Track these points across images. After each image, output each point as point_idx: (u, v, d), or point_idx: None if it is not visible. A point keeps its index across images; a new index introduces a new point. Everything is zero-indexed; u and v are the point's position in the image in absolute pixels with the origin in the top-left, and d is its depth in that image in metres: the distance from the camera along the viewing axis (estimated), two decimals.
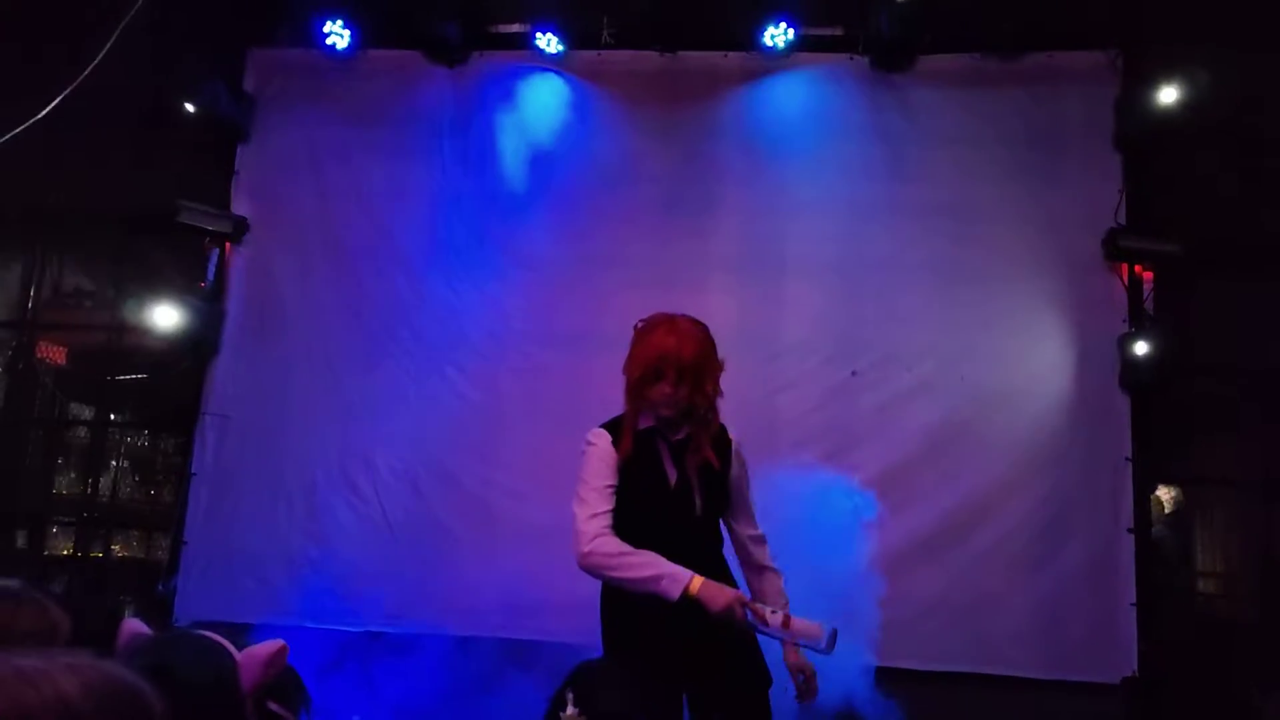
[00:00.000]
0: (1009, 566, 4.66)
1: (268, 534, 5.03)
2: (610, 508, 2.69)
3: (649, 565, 2.61)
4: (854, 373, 4.92)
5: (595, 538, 2.65)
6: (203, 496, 5.20)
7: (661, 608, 2.59)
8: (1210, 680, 4.78)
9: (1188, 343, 4.83)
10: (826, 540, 3.97)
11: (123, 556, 5.75)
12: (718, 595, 2.57)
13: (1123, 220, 4.96)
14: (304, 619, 4.82)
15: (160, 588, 5.17)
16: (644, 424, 2.80)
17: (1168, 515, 5.06)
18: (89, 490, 5.67)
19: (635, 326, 2.85)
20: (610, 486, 2.71)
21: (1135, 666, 4.63)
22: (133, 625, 1.47)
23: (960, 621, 4.57)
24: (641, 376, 2.76)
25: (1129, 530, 4.75)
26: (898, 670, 4.32)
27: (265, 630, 4.51)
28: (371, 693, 4.64)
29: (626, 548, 2.64)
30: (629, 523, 2.70)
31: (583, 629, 4.41)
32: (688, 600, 2.56)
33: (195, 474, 5.22)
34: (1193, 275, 5.01)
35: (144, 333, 5.20)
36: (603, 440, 2.78)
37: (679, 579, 2.58)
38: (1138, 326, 4.88)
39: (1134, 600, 4.68)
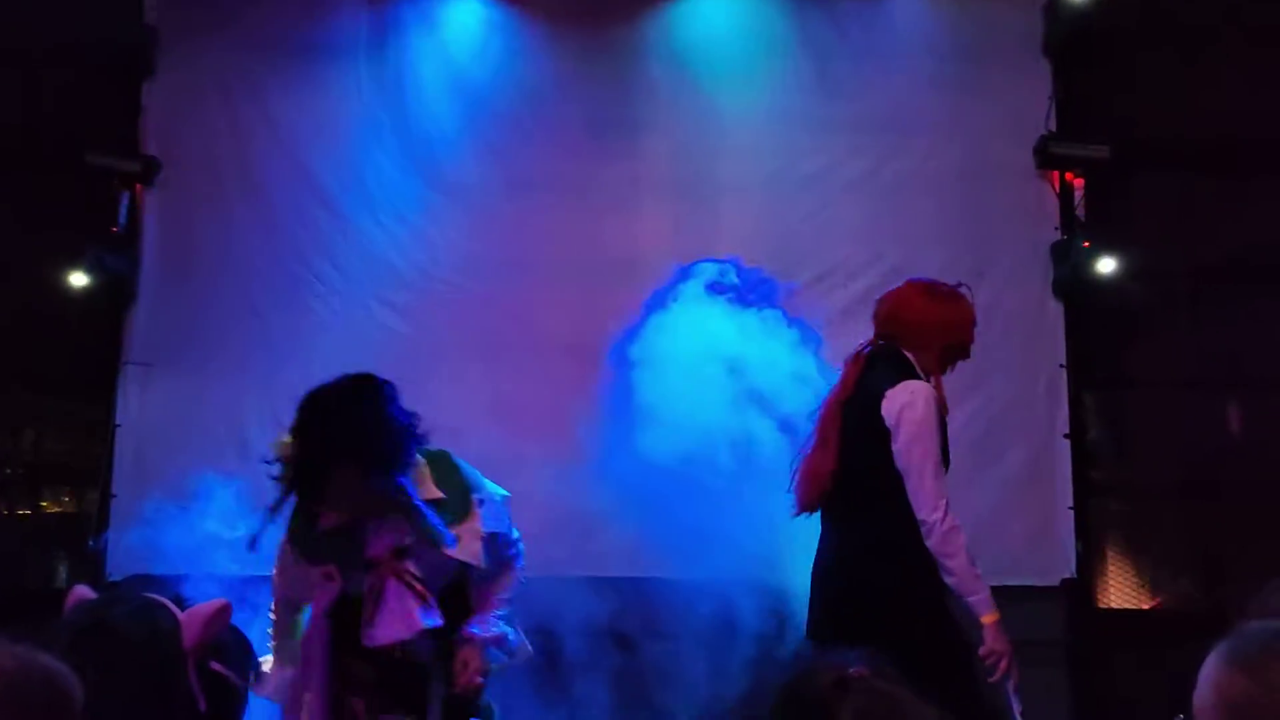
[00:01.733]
0: (952, 477, 4.68)
1: (198, 483, 4.91)
2: None
3: (978, 576, 2.84)
4: (791, 291, 4.88)
5: (953, 518, 2.81)
6: (129, 448, 5.06)
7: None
8: (1146, 578, 4.92)
9: (1119, 247, 4.86)
10: (772, 457, 3.95)
11: (53, 512, 5.62)
12: (997, 637, 2.81)
13: (1053, 127, 4.96)
14: (238, 567, 4.72)
15: (91, 543, 5.04)
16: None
17: (1101, 419, 5.14)
18: (13, 447, 5.51)
19: (927, 288, 3.01)
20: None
21: (1073, 568, 4.73)
22: (80, 591, 1.44)
23: None
24: (960, 344, 2.95)
25: (1065, 436, 4.82)
26: None
27: (200, 581, 4.43)
28: None
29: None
30: None
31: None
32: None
33: (119, 425, 5.07)
34: (1123, 179, 5.04)
35: (57, 281, 5.00)
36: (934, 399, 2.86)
37: (986, 605, 2.84)
38: (1069, 233, 4.90)
39: (1071, 504, 4.77)
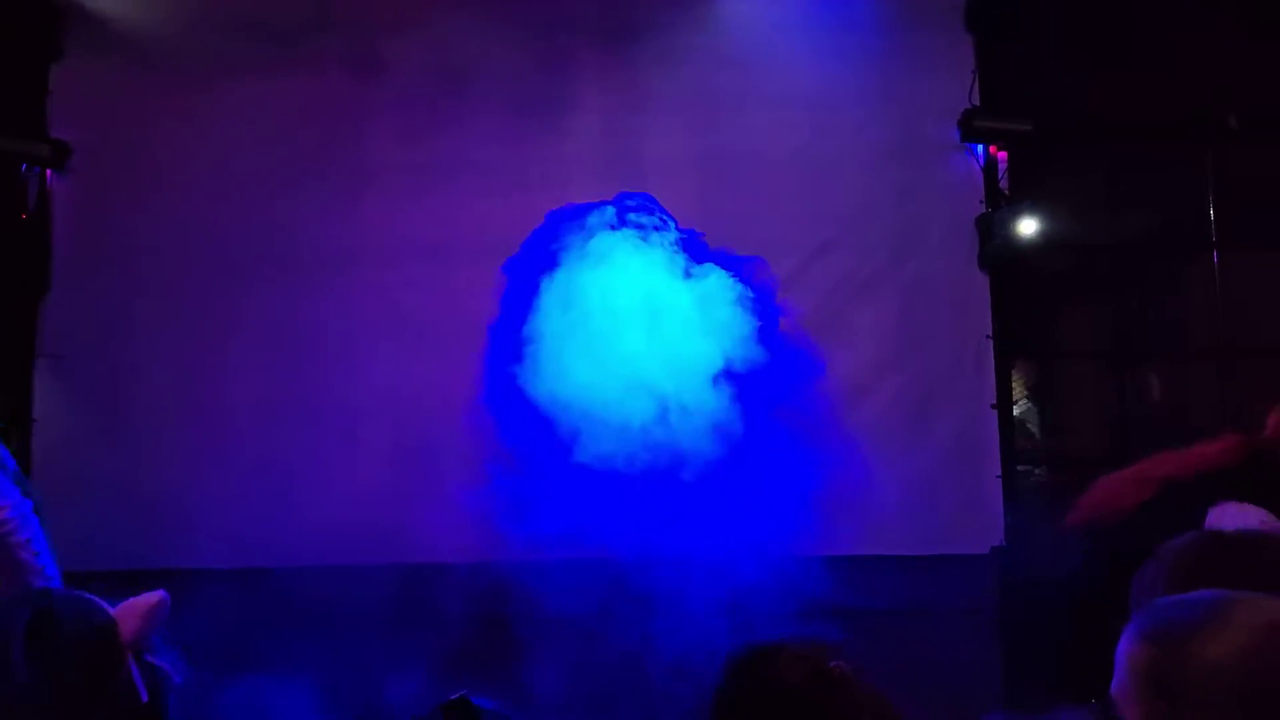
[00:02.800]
0: (880, 449, 4.74)
1: (119, 475, 4.80)
2: None
3: None
4: None
5: None
6: (47, 443, 4.91)
7: None
8: (1075, 544, 5.01)
9: (1042, 220, 4.93)
10: (695, 433, 3.96)
11: None
12: None
13: (977, 101, 5.00)
14: (161, 561, 4.63)
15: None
16: None
17: (1028, 389, 5.22)
18: None
19: None
20: None
21: (1002, 536, 4.81)
22: None
23: (830, 506, 4.64)
24: None
25: (991, 406, 4.89)
26: (772, 558, 4.38)
27: (126, 578, 4.33)
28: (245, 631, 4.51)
29: None
30: None
31: (447, 548, 4.43)
32: None
33: (36, 420, 4.92)
34: (1046, 152, 5.11)
35: None
36: None
37: None
38: (993, 206, 4.96)
39: (999, 473, 4.85)
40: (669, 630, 4.18)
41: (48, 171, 4.96)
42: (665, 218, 4.21)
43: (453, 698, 1.86)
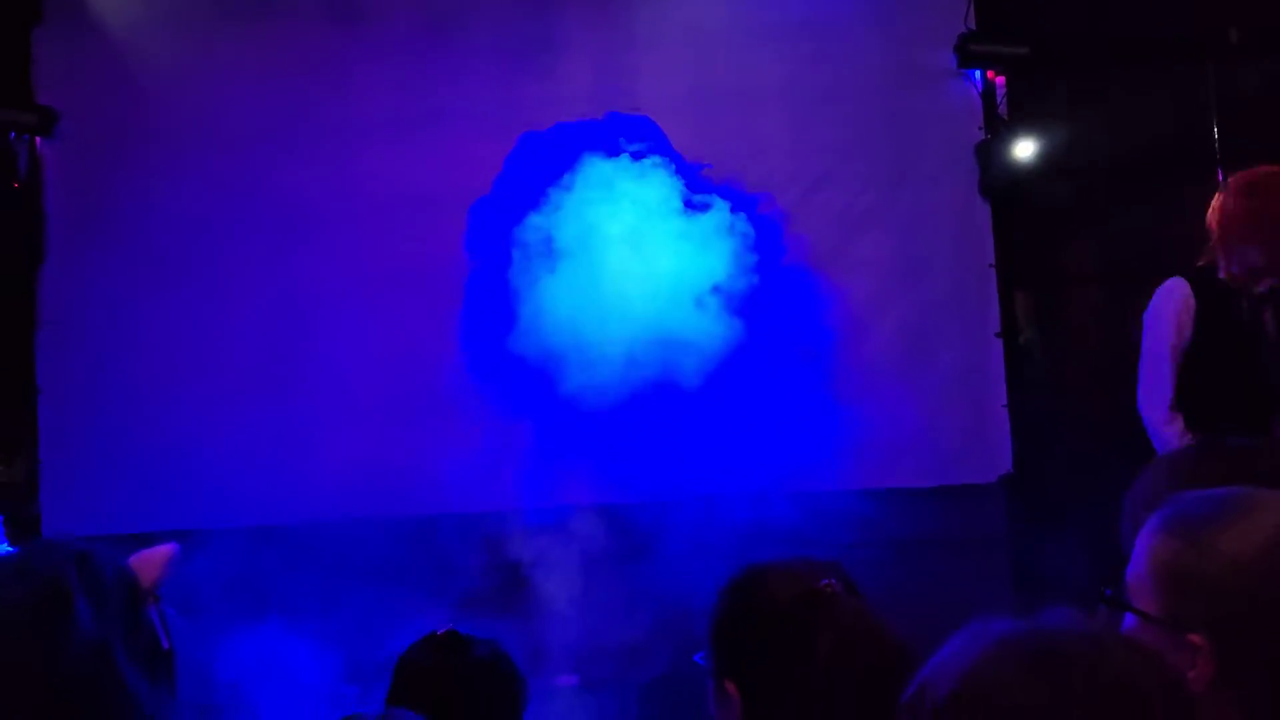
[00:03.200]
0: (884, 383, 4.72)
1: (126, 440, 4.82)
2: None
3: None
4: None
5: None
6: (54, 411, 4.93)
7: None
8: (1082, 469, 5.00)
9: (1043, 145, 4.87)
10: (696, 371, 3.95)
11: None
12: None
13: (973, 25, 4.92)
14: (171, 523, 4.66)
15: (26, 511, 4.93)
16: None
17: (1032, 317, 5.19)
18: None
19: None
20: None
21: (1010, 464, 4.81)
22: None
23: (838, 442, 4.64)
24: None
25: (996, 335, 4.87)
26: (780, 495, 4.39)
27: (139, 541, 4.36)
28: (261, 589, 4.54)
29: None
30: None
31: (453, 499, 4.45)
32: None
33: (42, 389, 4.94)
34: (1044, 76, 5.03)
35: None
36: None
37: None
38: (993, 133, 4.90)
39: (1005, 402, 4.84)
40: (675, 571, 4.20)
41: (36, 139, 4.92)
42: (661, 145, 4.13)
43: (440, 633, 1.85)
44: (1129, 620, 1.27)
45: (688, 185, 4.05)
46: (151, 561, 1.39)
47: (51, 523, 4.89)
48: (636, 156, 4.04)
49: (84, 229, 4.93)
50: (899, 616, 1.43)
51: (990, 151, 4.83)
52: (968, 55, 4.89)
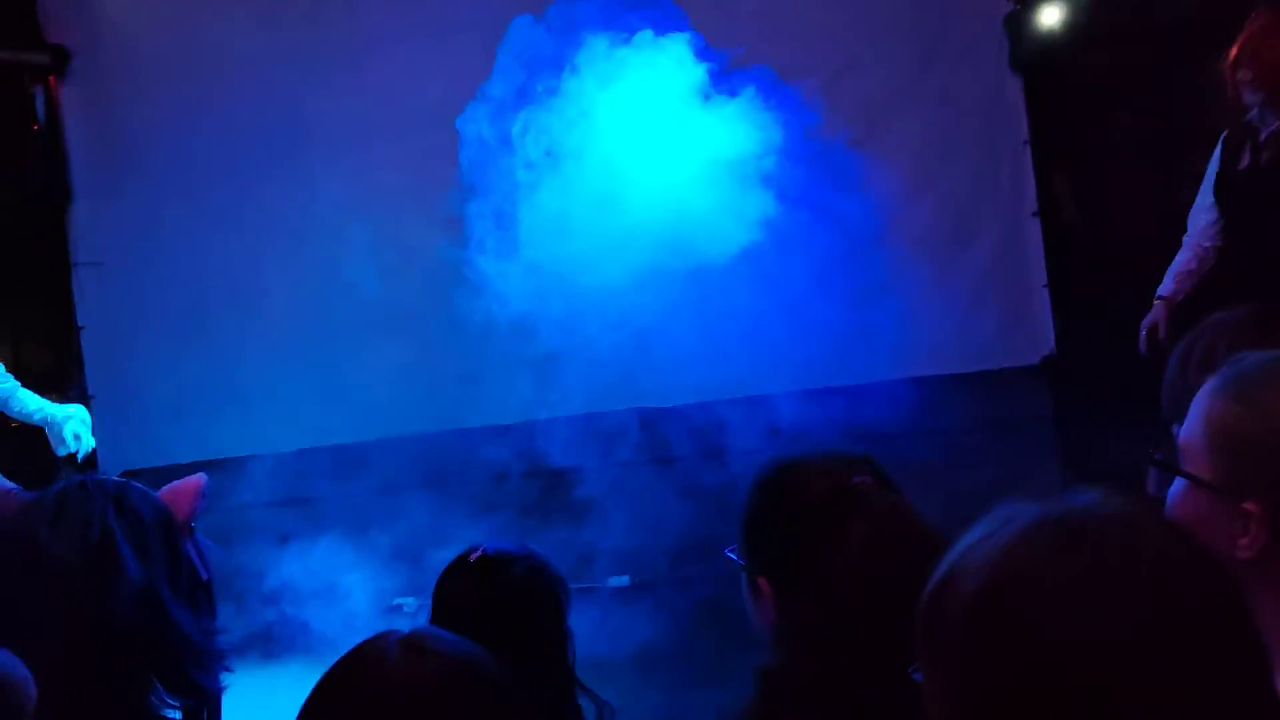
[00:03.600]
0: (920, 271, 4.64)
1: (170, 372, 4.89)
2: None
3: None
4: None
5: None
6: (97, 348, 5.01)
7: None
8: (1128, 347, 4.91)
9: (1075, 13, 4.67)
10: (730, 265, 3.89)
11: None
12: None
13: None
14: (225, 450, 4.75)
15: None
16: None
17: (1071, 192, 5.05)
18: None
19: None
20: None
21: (1053, 345, 4.74)
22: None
23: (878, 332, 4.60)
24: None
25: (1034, 215, 4.75)
26: (821, 390, 4.39)
27: (191, 470, 4.44)
28: (314, 509, 4.64)
29: None
30: None
31: (490, 411, 4.47)
32: None
33: (84, 327, 5.02)
34: None
35: None
36: None
37: None
38: (1022, 3, 4.70)
39: (1045, 282, 4.75)
40: (717, 471, 4.22)
41: (51, 79, 4.89)
42: (681, 25, 3.96)
43: (473, 558, 1.80)
44: (1178, 485, 1.23)
45: (711, 71, 3.91)
46: (184, 494, 1.43)
47: (106, 456, 5.00)
48: (658, 33, 3.87)
49: (107, 167, 4.94)
50: (945, 505, 1.42)
51: (1020, 22, 4.65)
52: None
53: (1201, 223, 3.71)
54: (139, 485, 1.42)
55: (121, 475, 4.15)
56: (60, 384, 5.30)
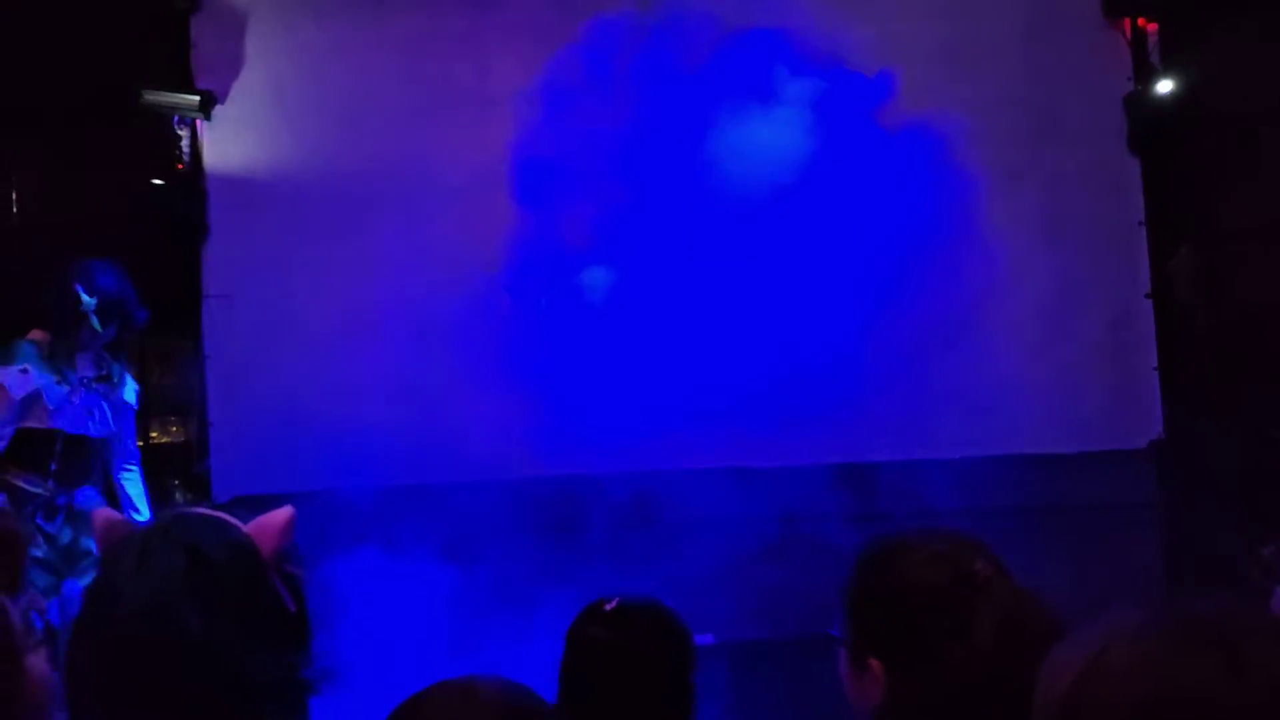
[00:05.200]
0: (1026, 345, 4.60)
1: (290, 404, 5.08)
2: None
3: None
4: None
5: None
6: (221, 377, 5.24)
7: None
8: (1238, 435, 4.77)
9: (1198, 94, 4.61)
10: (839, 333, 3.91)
11: (163, 443, 5.87)
12: None
13: None
14: (337, 481, 4.90)
15: (196, 469, 5.29)
16: None
17: (1188, 276, 4.95)
18: None
19: None
20: None
21: (1161, 429, 4.63)
22: (106, 514, 1.47)
23: (980, 406, 4.56)
24: None
25: (1146, 295, 4.67)
26: (923, 461, 4.35)
27: (300, 499, 4.60)
28: (406, 548, 4.75)
29: None
30: None
31: (588, 459, 4.54)
32: None
33: (209, 356, 5.26)
34: (1200, 22, 4.75)
35: (133, 222, 5.16)
36: None
37: None
38: (1143, 83, 4.66)
39: (1156, 364, 4.65)
40: (808, 535, 4.21)
41: (198, 122, 5.19)
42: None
43: (609, 608, 1.83)
44: None
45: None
46: (271, 527, 1.40)
47: (219, 480, 5.22)
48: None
49: (241, 205, 5.20)
50: (1043, 585, 1.42)
51: (1140, 103, 4.61)
52: (1116, 2, 4.66)
53: None
54: (224, 521, 1.40)
55: (232, 501, 4.36)
56: (183, 410, 5.59)
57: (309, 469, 4.99)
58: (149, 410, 5.66)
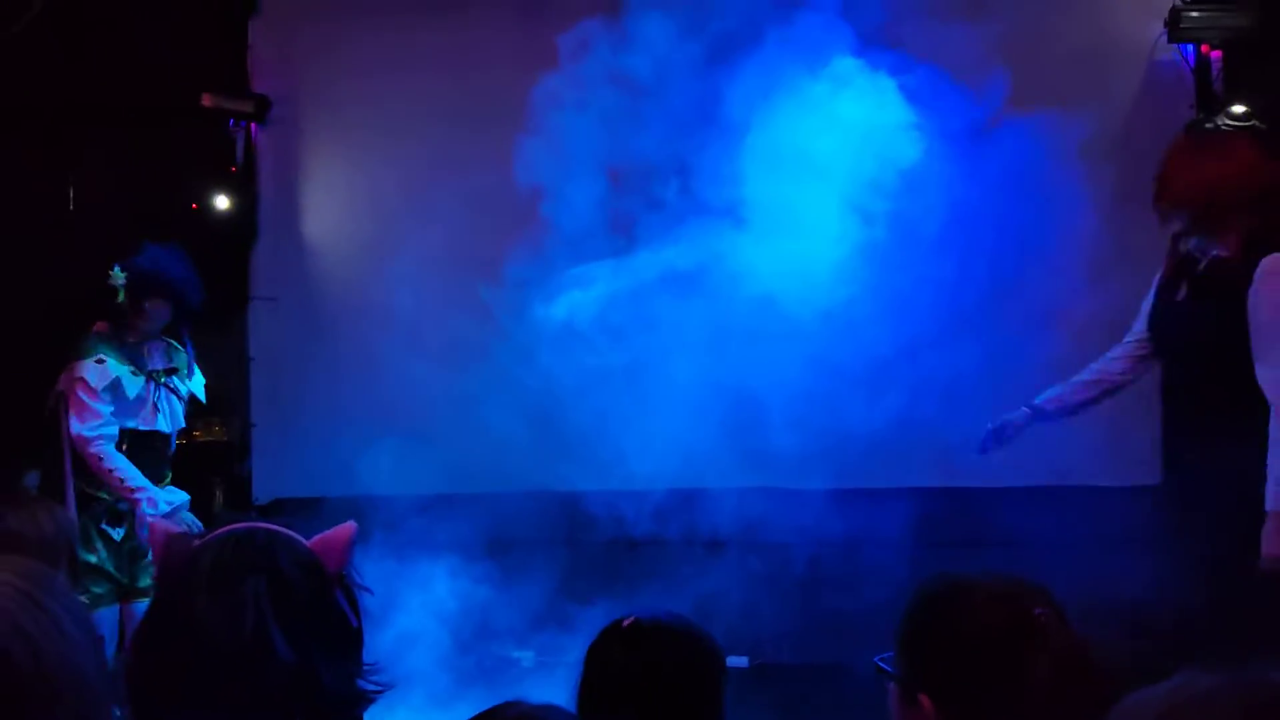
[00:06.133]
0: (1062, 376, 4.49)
1: (331, 408, 5.12)
2: None
3: None
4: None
5: None
6: (264, 379, 5.29)
7: None
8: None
9: (1263, 125, 4.51)
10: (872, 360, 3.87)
11: (204, 441, 5.92)
12: None
13: None
14: (374, 488, 4.91)
15: (236, 470, 5.33)
16: None
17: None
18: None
19: None
20: None
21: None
22: (164, 526, 1.45)
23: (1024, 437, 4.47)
24: None
25: None
26: (961, 489, 4.28)
27: (338, 504, 4.63)
28: (443, 555, 4.75)
29: None
30: None
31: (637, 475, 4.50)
32: None
33: (253, 358, 5.31)
34: (1265, 50, 4.66)
35: (185, 222, 5.22)
36: None
37: None
38: (1206, 112, 4.57)
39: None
40: (839, 560, 4.16)
41: (252, 125, 5.25)
42: None
43: (625, 623, 1.78)
44: None
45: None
46: (335, 544, 1.43)
47: (260, 482, 5.26)
48: None
49: (292, 209, 5.25)
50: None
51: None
52: (1180, 28, 4.57)
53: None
54: (293, 538, 1.43)
55: (271, 503, 4.37)
56: (226, 411, 5.63)
57: (348, 474, 5.02)
58: (193, 409, 5.73)
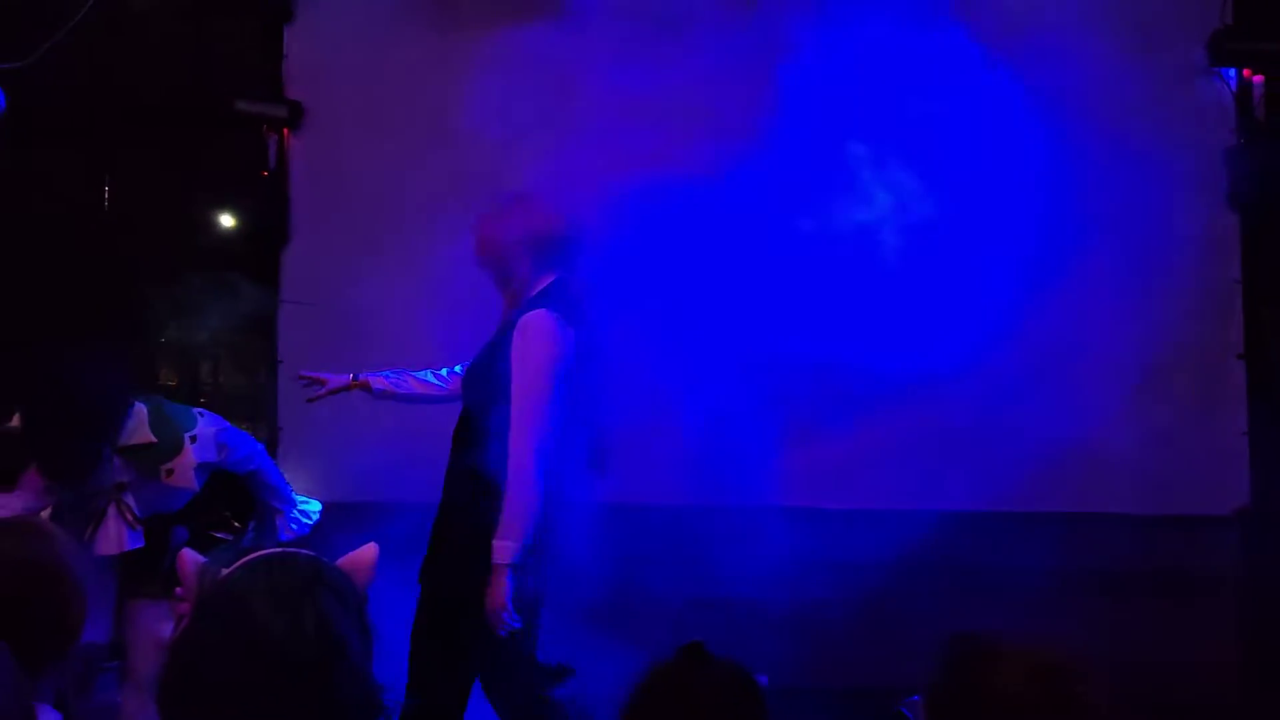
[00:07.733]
0: (1114, 401, 4.46)
1: (358, 414, 5.10)
2: None
3: None
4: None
5: None
6: (292, 383, 5.27)
7: None
8: None
9: None
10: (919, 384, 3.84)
11: None
12: None
13: (1229, 20, 4.56)
14: (401, 494, 4.91)
15: None
16: None
17: None
18: (193, 381, 5.83)
19: None
20: None
21: (1249, 498, 4.47)
22: (192, 556, 1.47)
23: (1062, 461, 4.43)
24: None
25: (1239, 356, 4.52)
26: (1004, 514, 4.25)
27: (366, 509, 4.62)
28: None
29: None
30: None
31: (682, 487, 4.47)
32: None
33: (282, 361, 5.31)
34: None
35: (217, 225, 5.25)
36: None
37: None
38: (1247, 137, 4.53)
39: (1245, 429, 4.49)
40: (872, 582, 4.13)
41: (285, 130, 5.27)
42: None
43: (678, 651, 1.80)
44: None
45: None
46: (362, 564, 1.47)
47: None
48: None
49: (323, 215, 5.26)
50: (1115, 654, 1.36)
51: (1243, 158, 4.47)
52: (1222, 52, 4.53)
53: None
54: (321, 560, 1.45)
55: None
56: (253, 413, 5.64)
57: (374, 479, 5.02)
58: (218, 409, 5.75)
